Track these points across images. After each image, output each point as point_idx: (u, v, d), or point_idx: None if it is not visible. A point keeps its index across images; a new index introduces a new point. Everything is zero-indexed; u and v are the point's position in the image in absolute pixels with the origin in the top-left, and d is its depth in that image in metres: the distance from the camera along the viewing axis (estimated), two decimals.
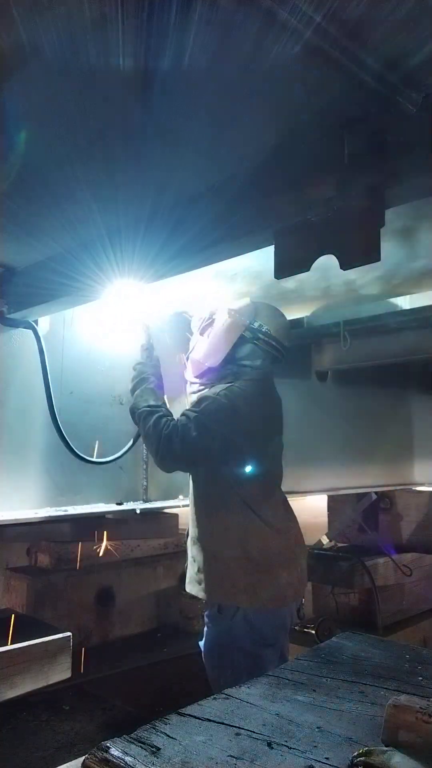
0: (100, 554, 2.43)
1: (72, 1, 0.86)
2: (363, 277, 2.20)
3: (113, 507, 2.42)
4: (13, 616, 2.08)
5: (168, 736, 1.18)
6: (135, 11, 0.87)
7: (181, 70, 0.98)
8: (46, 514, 2.19)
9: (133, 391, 2.19)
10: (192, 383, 2.31)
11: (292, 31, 0.88)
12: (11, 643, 1.91)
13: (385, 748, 1.08)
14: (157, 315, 2.46)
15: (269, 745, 1.15)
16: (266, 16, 0.86)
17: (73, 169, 1.31)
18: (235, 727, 1.23)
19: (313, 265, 1.29)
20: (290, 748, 1.14)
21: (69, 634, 2.05)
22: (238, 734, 1.19)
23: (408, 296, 2.69)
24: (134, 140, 1.21)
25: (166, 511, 2.88)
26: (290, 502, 2.31)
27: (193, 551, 2.20)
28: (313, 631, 3.23)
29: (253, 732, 1.20)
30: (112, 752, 1.12)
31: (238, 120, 1.15)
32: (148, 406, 2.10)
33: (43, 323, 2.22)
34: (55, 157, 1.28)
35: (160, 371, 2.25)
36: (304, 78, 1.02)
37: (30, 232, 1.64)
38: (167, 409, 2.14)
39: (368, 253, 1.20)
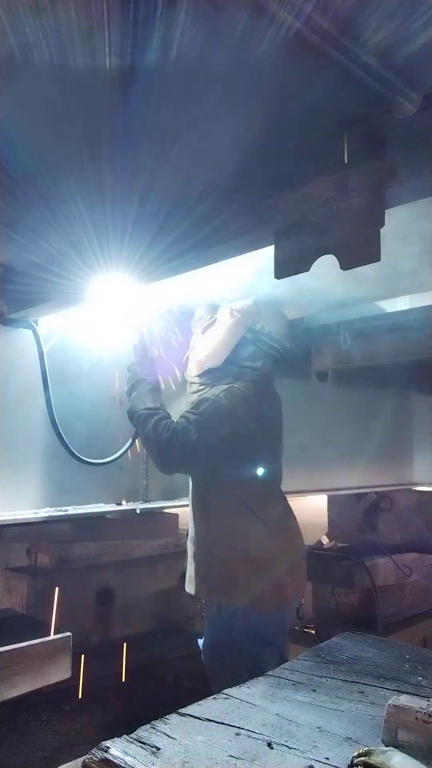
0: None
1: (60, 4, 0.86)
2: None
3: (113, 507, 2.42)
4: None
5: (168, 736, 1.18)
6: (121, 7, 0.87)
7: (168, 66, 0.97)
8: (46, 514, 2.19)
9: (129, 393, 2.19)
10: (192, 383, 2.31)
11: (282, 23, 0.88)
12: (11, 643, 1.91)
13: (385, 748, 1.08)
14: (152, 314, 2.46)
15: (269, 745, 1.15)
16: (255, 8, 0.86)
17: (62, 170, 1.31)
18: (235, 727, 1.23)
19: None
20: (290, 748, 1.14)
21: (69, 634, 2.05)
22: (238, 734, 1.19)
23: (408, 296, 2.69)
24: (121, 139, 1.20)
25: (166, 511, 2.88)
26: (290, 502, 2.31)
27: (192, 551, 2.20)
28: (313, 631, 3.24)
29: (253, 732, 1.20)
30: (112, 752, 1.12)
31: (229, 117, 1.15)
32: (147, 409, 2.09)
33: (43, 323, 2.22)
34: (44, 159, 1.28)
35: (156, 371, 2.25)
36: (298, 74, 1.02)
37: (22, 233, 1.64)
38: (166, 411, 2.14)
39: (368, 254, 1.20)
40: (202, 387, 2.24)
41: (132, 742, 1.15)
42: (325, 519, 3.99)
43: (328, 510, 3.99)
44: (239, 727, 1.22)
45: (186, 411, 2.11)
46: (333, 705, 1.34)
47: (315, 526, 3.89)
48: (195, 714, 1.29)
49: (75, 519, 2.35)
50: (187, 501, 2.31)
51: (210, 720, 1.26)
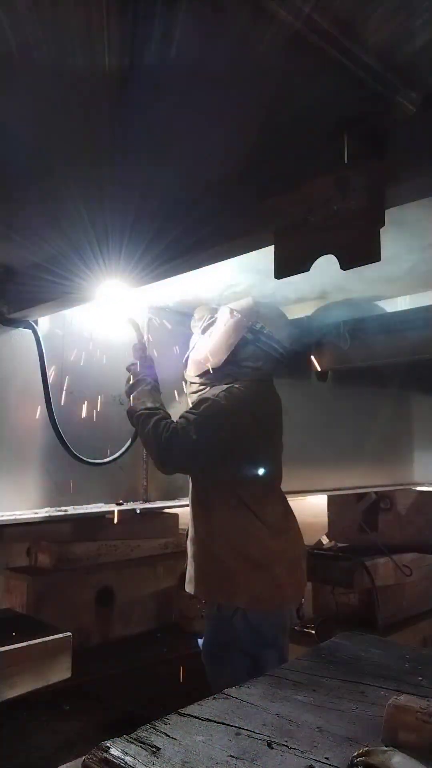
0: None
1: (59, 5, 0.86)
2: None
3: (113, 507, 2.42)
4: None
5: (168, 736, 1.18)
6: (120, 6, 0.87)
7: (167, 66, 0.97)
8: (46, 514, 2.19)
9: (129, 393, 2.19)
10: (192, 383, 2.31)
11: (282, 23, 0.87)
12: (11, 643, 1.91)
13: (385, 748, 1.08)
14: (151, 313, 2.47)
15: (269, 745, 1.15)
16: (255, 7, 0.86)
17: (61, 170, 1.31)
18: (235, 727, 1.23)
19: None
20: (290, 748, 1.14)
21: (69, 634, 2.05)
22: (238, 734, 1.19)
23: (408, 296, 2.69)
24: (121, 139, 1.21)
25: (166, 511, 2.88)
26: (290, 502, 2.31)
27: (192, 551, 2.20)
28: (313, 631, 3.23)
29: (253, 732, 1.20)
30: (112, 752, 1.12)
31: (228, 117, 1.15)
32: (147, 409, 2.09)
33: (43, 323, 2.22)
34: (44, 159, 1.28)
35: (155, 371, 2.25)
36: (298, 74, 1.02)
37: (22, 233, 1.64)
38: (165, 411, 2.13)
39: (368, 253, 1.20)
40: (201, 387, 2.24)
41: (132, 742, 1.15)
42: (325, 519, 3.99)
43: (328, 510, 3.98)
44: (239, 727, 1.22)
45: (186, 411, 2.11)
46: (333, 705, 1.34)
47: (315, 526, 3.88)
48: (195, 714, 1.28)
49: (75, 519, 2.35)
50: (187, 501, 2.31)
51: (210, 720, 1.25)
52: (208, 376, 2.22)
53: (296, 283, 1.86)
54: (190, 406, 2.16)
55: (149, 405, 2.11)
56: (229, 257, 1.57)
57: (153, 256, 1.50)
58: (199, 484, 2.21)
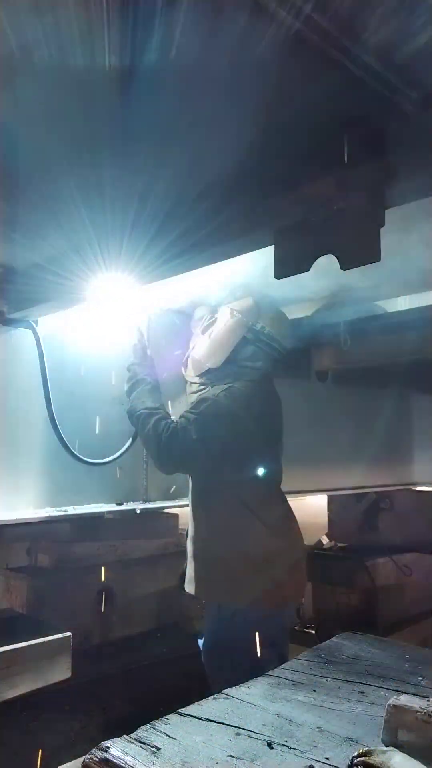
0: None
1: (60, 4, 0.86)
2: None
3: (113, 507, 2.42)
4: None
5: (168, 736, 1.18)
6: (121, 6, 0.87)
7: (167, 66, 0.97)
8: (46, 514, 2.19)
9: (129, 392, 2.19)
10: (192, 383, 2.31)
11: (281, 23, 0.87)
12: (11, 643, 1.91)
13: (385, 748, 1.08)
14: (151, 314, 2.47)
15: (269, 745, 1.15)
16: (254, 7, 0.86)
17: (61, 170, 1.31)
18: (235, 727, 1.23)
19: None
20: (290, 748, 1.14)
21: (69, 634, 2.04)
22: (238, 734, 1.19)
23: (408, 296, 2.69)
24: (121, 139, 1.21)
25: (166, 511, 2.88)
26: (290, 502, 2.31)
27: (192, 551, 2.20)
28: (313, 631, 3.24)
29: (253, 732, 1.20)
30: (112, 752, 1.12)
31: (228, 117, 1.15)
32: (147, 409, 2.09)
33: (43, 323, 2.22)
34: (44, 159, 1.28)
35: (155, 371, 2.25)
36: (298, 74, 1.02)
37: (22, 233, 1.64)
38: (165, 411, 2.14)
39: (368, 253, 1.20)
40: (201, 387, 2.24)
41: (132, 742, 1.15)
42: (325, 519, 3.99)
43: (328, 510, 3.99)
44: (239, 727, 1.22)
45: (186, 411, 2.11)
46: (333, 705, 1.34)
47: (315, 526, 3.89)
48: (195, 714, 1.29)
49: (75, 519, 2.35)
50: (187, 501, 2.31)
51: (210, 720, 1.26)
52: (208, 376, 2.22)
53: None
54: (190, 406, 2.16)
55: (149, 405, 2.11)
56: (229, 257, 1.57)
57: (153, 256, 1.50)
58: (199, 484, 2.21)
